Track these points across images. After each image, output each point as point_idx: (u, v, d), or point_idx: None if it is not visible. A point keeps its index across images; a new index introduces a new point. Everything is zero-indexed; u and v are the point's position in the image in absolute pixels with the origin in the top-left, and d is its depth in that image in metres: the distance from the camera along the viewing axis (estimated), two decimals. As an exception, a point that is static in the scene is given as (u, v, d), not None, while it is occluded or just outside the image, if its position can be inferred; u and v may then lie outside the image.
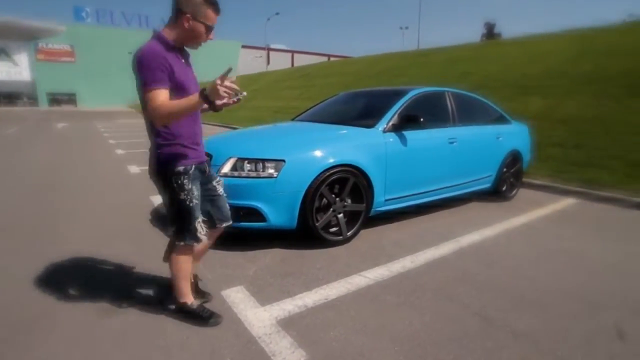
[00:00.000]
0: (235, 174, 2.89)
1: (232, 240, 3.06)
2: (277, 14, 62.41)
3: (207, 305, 2.13)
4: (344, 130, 3.48)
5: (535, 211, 4.37)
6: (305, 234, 3.02)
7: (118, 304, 2.20)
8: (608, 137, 6.67)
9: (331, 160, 3.00)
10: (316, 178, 2.90)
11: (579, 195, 5.16)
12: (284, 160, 2.87)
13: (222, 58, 60.99)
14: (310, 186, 2.89)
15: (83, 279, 2.53)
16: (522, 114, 8.47)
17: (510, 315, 2.18)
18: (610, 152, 6.19)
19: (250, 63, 56.54)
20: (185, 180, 1.80)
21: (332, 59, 54.33)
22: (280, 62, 57.13)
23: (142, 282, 2.49)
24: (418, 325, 2.07)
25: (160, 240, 3.15)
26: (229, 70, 1.55)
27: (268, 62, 53.53)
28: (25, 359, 1.76)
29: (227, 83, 1.55)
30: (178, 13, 1.69)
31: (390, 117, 3.54)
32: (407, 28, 77.81)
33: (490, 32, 43.49)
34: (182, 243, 1.90)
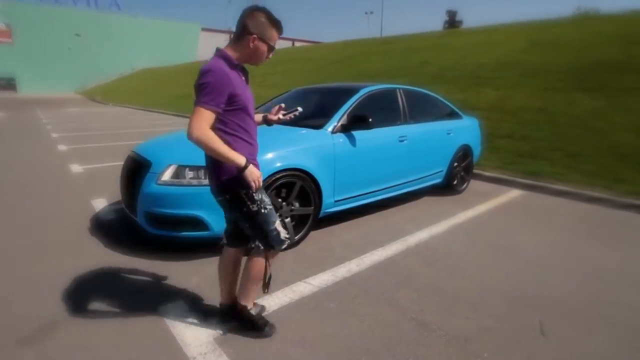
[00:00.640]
0: (176, 182, 2.79)
1: (179, 248, 2.98)
2: (239, -5, 60.53)
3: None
4: (292, 132, 3.44)
5: (482, 205, 4.55)
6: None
7: (42, 328, 2.09)
8: (552, 129, 7.02)
9: (276, 165, 2.96)
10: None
11: (524, 187, 5.43)
12: (226, 167, 2.79)
13: (180, 41, 58.50)
14: (255, 192, 2.84)
15: (4, 303, 2.39)
16: (476, 106, 8.78)
17: (445, 319, 2.27)
18: (553, 144, 6.53)
19: (211, 47, 54.47)
20: (254, 193, 1.82)
21: (297, 43, 53.48)
22: (243, 45, 55.58)
23: (77, 302, 2.38)
24: (356, 333, 2.12)
25: (101, 253, 3.02)
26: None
27: (231, 46, 52.05)
28: None
29: (257, 179, 1.77)
30: (244, 33, 1.75)
31: (339, 117, 3.54)
32: (372, 13, 77.80)
33: (452, 20, 44.41)
34: (270, 250, 1.95)
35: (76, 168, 6.16)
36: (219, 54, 1.77)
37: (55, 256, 2.96)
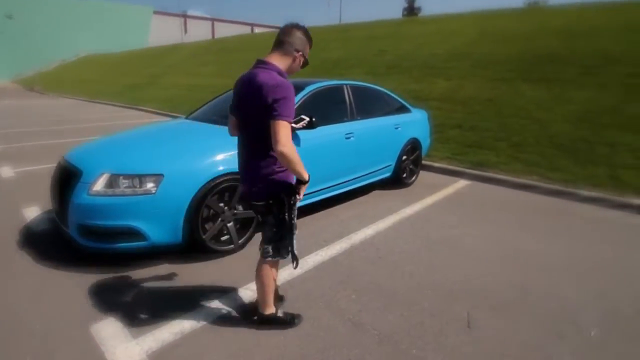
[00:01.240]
0: (109, 191, 2.68)
1: (112, 259, 2.88)
2: (194, -23, 57.85)
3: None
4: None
5: (429, 197, 4.71)
6: (194, 247, 2.94)
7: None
8: (498, 120, 7.33)
9: (217, 170, 2.92)
10: (200, 190, 2.81)
11: (470, 177, 5.67)
12: (162, 175, 2.72)
13: (130, 26, 54.64)
14: (194, 199, 2.79)
15: None
16: (429, 96, 9.01)
17: (380, 318, 2.35)
18: (499, 135, 6.83)
19: (164, 32, 51.39)
20: (295, 201, 1.93)
21: (256, 29, 52.25)
22: (199, 31, 53.26)
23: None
24: (292, 339, 2.15)
25: (29, 268, 2.86)
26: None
27: (185, 31, 49.57)
28: None
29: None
30: (289, 49, 1.93)
31: (283, 118, 3.50)
32: (332, -3, 77.05)
33: (411, 7, 44.97)
34: (277, 258, 2.06)
35: (6, 172, 5.62)
36: (270, 67, 1.88)
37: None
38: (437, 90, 9.19)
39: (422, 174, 5.66)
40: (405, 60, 11.62)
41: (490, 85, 8.79)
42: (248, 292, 2.59)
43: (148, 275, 2.79)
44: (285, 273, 2.85)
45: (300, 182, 1.89)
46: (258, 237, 3.33)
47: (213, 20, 64.88)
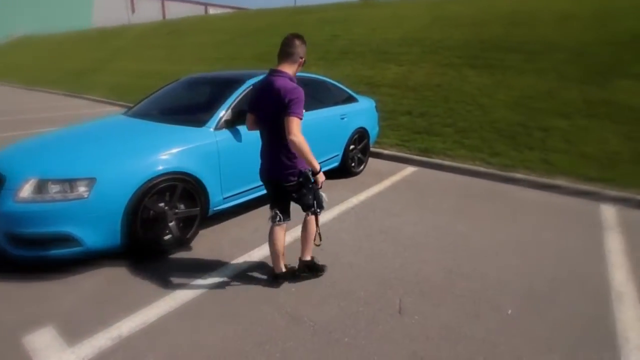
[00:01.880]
0: (38, 197, 2.58)
1: (50, 265, 2.81)
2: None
3: None
4: (172, 132, 3.33)
5: (376, 186, 4.88)
6: (135, 250, 2.92)
7: None
8: (446, 106, 7.60)
9: (155, 170, 2.88)
10: (137, 192, 2.77)
11: (418, 164, 5.91)
12: (95, 178, 2.65)
13: (71, 4, 49.98)
14: (130, 201, 2.75)
15: None
16: (381, 82, 9.16)
17: (317, 309, 2.47)
18: (446, 120, 7.11)
19: (109, 12, 47.52)
20: (310, 175, 2.43)
21: (211, 9, 50.15)
22: (148, 11, 50.12)
23: None
24: (231, 335, 2.23)
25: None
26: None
27: (132, 11, 46.49)
28: None
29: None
30: (296, 58, 2.45)
31: (222, 113, 3.48)
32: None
33: (368, -12, 44.68)
34: (319, 210, 2.56)
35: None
36: (283, 74, 2.40)
37: None
38: (389, 76, 9.35)
39: (372, 162, 5.83)
40: (358, 45, 11.67)
41: (440, 71, 9.04)
42: (190, 292, 2.62)
43: (86, 280, 2.75)
44: (230, 268, 2.93)
45: (314, 174, 2.41)
46: (203, 233, 3.34)
47: (163, -1, 61.23)
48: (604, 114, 6.22)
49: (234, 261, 3.03)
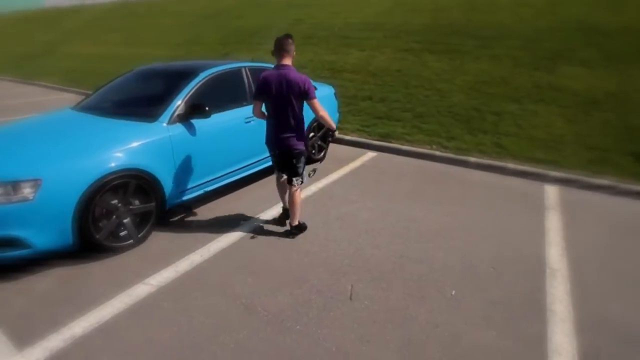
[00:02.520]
0: (-21, 200, 2.51)
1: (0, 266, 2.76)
2: None
3: None
4: (124, 127, 3.28)
5: (336, 172, 4.98)
6: (88, 248, 2.89)
7: None
8: (405, 91, 7.76)
9: (105, 168, 2.84)
10: (87, 190, 2.73)
11: (377, 149, 6.04)
12: (40, 179, 2.59)
13: None
14: (81, 200, 2.71)
15: None
16: (343, 67, 9.19)
17: (271, 299, 2.57)
18: (405, 105, 7.27)
19: None
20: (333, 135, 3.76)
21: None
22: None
23: None
24: (185, 329, 2.29)
25: None
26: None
27: (89, -10, 43.91)
28: None
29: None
30: (292, 54, 3.12)
31: (175, 107, 3.45)
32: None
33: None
34: (300, 183, 3.27)
35: None
36: (290, 67, 3.06)
37: None
38: (351, 61, 9.39)
39: (333, 148, 5.91)
40: (321, 29, 11.60)
41: (400, 56, 9.17)
42: (145, 288, 2.65)
43: (37, 280, 2.72)
44: (185, 263, 2.97)
45: (333, 131, 3.52)
46: (160, 228, 3.30)
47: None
48: (551, 98, 6.56)
49: (190, 255, 3.06)
